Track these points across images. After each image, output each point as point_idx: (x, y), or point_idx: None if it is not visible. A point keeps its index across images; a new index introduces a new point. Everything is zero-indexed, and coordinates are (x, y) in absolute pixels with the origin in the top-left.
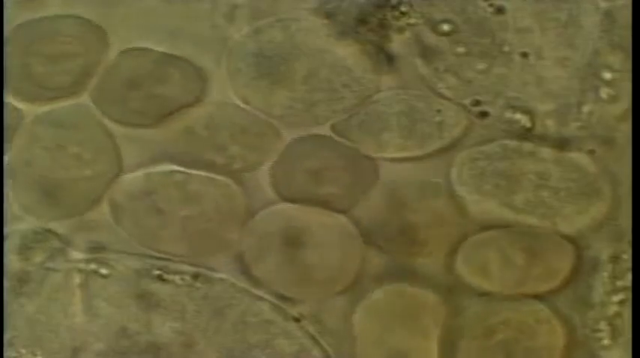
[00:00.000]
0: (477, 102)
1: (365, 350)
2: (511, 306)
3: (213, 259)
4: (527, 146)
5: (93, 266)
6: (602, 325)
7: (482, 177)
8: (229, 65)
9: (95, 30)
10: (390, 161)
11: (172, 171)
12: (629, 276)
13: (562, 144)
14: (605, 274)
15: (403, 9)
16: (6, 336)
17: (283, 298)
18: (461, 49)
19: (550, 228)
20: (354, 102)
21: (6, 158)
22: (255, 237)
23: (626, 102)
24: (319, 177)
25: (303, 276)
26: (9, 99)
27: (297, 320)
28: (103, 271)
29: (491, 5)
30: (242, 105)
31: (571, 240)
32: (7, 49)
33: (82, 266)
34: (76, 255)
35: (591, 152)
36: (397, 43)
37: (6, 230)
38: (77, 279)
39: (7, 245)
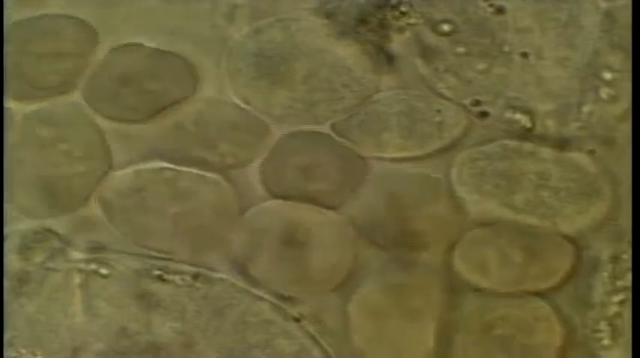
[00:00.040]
0: (477, 103)
1: (362, 345)
2: (510, 303)
3: (205, 256)
4: (528, 146)
5: (93, 266)
6: (602, 325)
7: (483, 177)
8: (229, 65)
9: (86, 29)
10: (390, 161)
11: (162, 168)
12: (629, 276)
13: (562, 144)
14: (605, 274)
15: (403, 9)
16: (6, 336)
17: (283, 298)
18: (461, 49)
19: (550, 227)
20: (354, 102)
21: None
22: (246, 234)
23: (626, 102)
24: (309, 173)
25: (299, 274)
26: None
27: (297, 320)
28: (103, 271)
29: (491, 5)
30: (234, 101)
31: (571, 240)
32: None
33: (82, 266)
34: (76, 255)
35: (591, 152)
36: (397, 43)
37: (6, 230)
38: (77, 279)
39: (7, 245)
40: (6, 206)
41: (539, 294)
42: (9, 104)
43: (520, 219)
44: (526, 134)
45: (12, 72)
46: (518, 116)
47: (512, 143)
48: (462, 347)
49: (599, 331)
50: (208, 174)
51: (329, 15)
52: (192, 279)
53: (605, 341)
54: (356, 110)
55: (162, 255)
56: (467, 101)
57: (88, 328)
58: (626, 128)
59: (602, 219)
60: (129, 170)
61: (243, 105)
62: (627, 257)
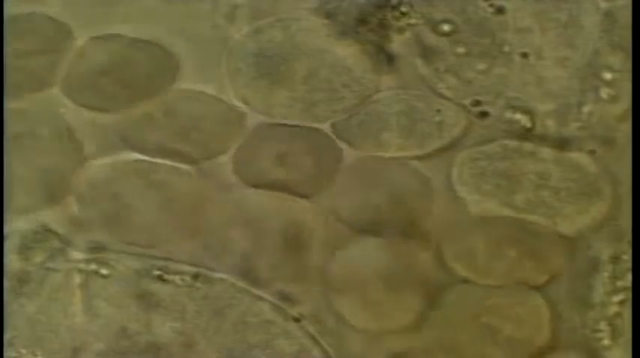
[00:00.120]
0: (477, 103)
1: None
2: (500, 294)
3: (179, 248)
4: (528, 146)
5: (93, 266)
6: (602, 325)
7: (483, 177)
8: (229, 65)
9: (60, 26)
10: (390, 161)
11: (136, 160)
12: (629, 276)
13: (562, 144)
14: (606, 274)
15: (403, 9)
16: (6, 336)
17: (284, 298)
18: (461, 50)
19: (550, 227)
20: (354, 102)
21: None
22: (220, 224)
23: (626, 102)
24: (283, 162)
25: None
26: None
27: (297, 320)
28: (103, 271)
29: (491, 5)
30: (208, 91)
31: (571, 240)
32: None
33: (82, 266)
34: (76, 255)
35: (591, 152)
36: (397, 43)
37: (6, 230)
38: (77, 279)
39: (7, 245)
40: (6, 206)
41: (533, 288)
42: None
43: (520, 218)
44: (526, 134)
45: None
46: (518, 116)
47: (513, 143)
48: (447, 331)
49: (599, 331)
50: (182, 166)
51: (329, 15)
52: (192, 279)
53: (605, 341)
54: (356, 110)
55: (145, 251)
56: (467, 101)
57: (88, 328)
58: (626, 128)
59: (602, 219)
60: (102, 161)
61: (218, 95)
62: (627, 257)
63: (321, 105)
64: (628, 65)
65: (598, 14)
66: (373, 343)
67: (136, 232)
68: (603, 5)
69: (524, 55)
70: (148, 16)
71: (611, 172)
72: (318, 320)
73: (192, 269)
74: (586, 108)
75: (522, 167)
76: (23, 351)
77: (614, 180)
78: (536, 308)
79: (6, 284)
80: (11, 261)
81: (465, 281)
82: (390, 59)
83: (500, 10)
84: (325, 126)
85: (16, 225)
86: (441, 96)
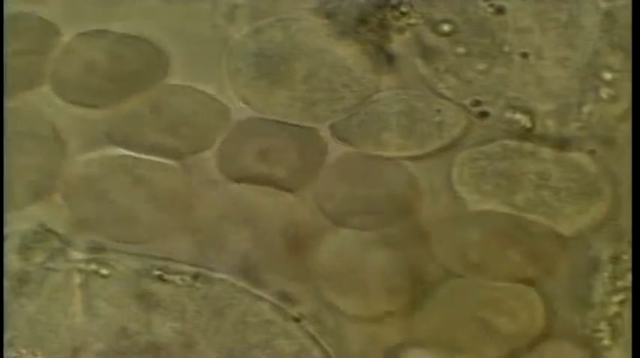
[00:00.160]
0: (477, 103)
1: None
2: (496, 287)
3: (164, 243)
4: (528, 146)
5: (93, 266)
6: (602, 325)
7: (483, 176)
8: (229, 65)
9: (46, 25)
10: (390, 160)
11: (121, 156)
12: (629, 276)
13: (562, 144)
14: (606, 274)
15: (403, 9)
16: (6, 336)
17: (284, 298)
18: (461, 50)
19: (550, 227)
20: (354, 102)
21: None
22: (207, 220)
23: (626, 102)
24: (266, 157)
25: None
26: None
27: (297, 320)
28: (103, 271)
29: (491, 5)
30: (194, 86)
31: (571, 240)
32: None
33: (82, 266)
34: (76, 255)
35: (591, 152)
36: (397, 43)
37: (6, 230)
38: (77, 279)
39: (7, 245)
40: (6, 206)
41: (529, 283)
42: None
43: (519, 217)
44: (526, 134)
45: None
46: (518, 116)
47: (513, 143)
48: (441, 319)
49: (599, 331)
50: (166, 161)
51: (329, 15)
52: (192, 279)
53: (605, 341)
54: (356, 110)
55: (133, 247)
56: (467, 101)
57: (88, 328)
58: (626, 128)
59: (602, 219)
60: (87, 157)
61: (207, 91)
62: (627, 257)
63: (321, 105)
64: (628, 65)
65: (598, 14)
66: (367, 332)
67: (120, 228)
68: (603, 5)
69: (524, 55)
70: (148, 15)
71: (611, 172)
72: (318, 320)
73: (193, 270)
74: (586, 108)
75: (522, 167)
76: (23, 351)
77: (614, 180)
78: (531, 303)
79: (6, 284)
80: (11, 261)
81: (460, 276)
82: (390, 59)
83: (500, 10)
84: (324, 126)
85: (16, 225)
86: (441, 96)
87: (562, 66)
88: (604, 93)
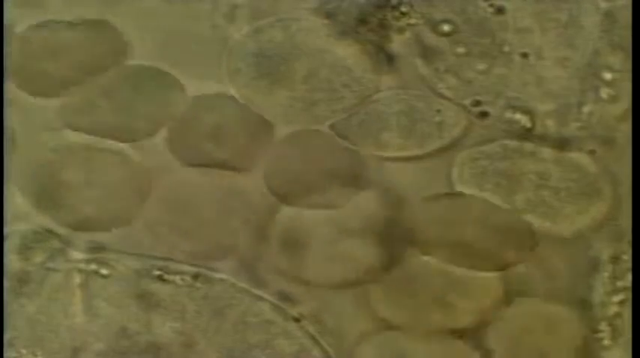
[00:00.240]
0: (477, 103)
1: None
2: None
3: (117, 230)
4: (528, 146)
5: (93, 266)
6: (602, 325)
7: (484, 176)
8: (229, 65)
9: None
10: (390, 160)
11: (75, 141)
12: (629, 276)
13: (562, 144)
14: (606, 274)
15: (403, 9)
16: (6, 336)
17: (284, 298)
18: (461, 50)
19: (550, 227)
20: (354, 102)
21: None
22: (160, 205)
23: (626, 102)
24: (217, 139)
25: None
26: None
27: (297, 320)
28: (103, 271)
29: (491, 5)
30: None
31: (571, 240)
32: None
33: (82, 266)
34: (76, 255)
35: (591, 152)
36: (397, 43)
37: (6, 230)
38: (77, 279)
39: (7, 245)
40: (6, 206)
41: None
42: None
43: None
44: (526, 134)
45: None
46: (518, 116)
47: (513, 143)
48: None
49: (599, 331)
50: (119, 145)
51: (329, 15)
52: (192, 279)
53: (605, 341)
54: (356, 110)
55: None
56: (467, 101)
57: (88, 328)
58: (626, 128)
59: (602, 219)
60: (42, 142)
61: (165, 69)
62: (627, 257)
63: (321, 105)
64: (628, 65)
65: (598, 14)
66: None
67: (72, 213)
68: (603, 5)
69: (524, 55)
70: (148, 15)
71: (611, 172)
72: (318, 320)
73: (193, 270)
74: (586, 108)
75: (522, 167)
76: (23, 351)
77: (614, 180)
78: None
79: (6, 284)
80: (11, 261)
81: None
82: (390, 59)
83: (500, 10)
84: (325, 126)
85: (16, 225)
86: (441, 96)
87: (562, 66)
88: (604, 93)
